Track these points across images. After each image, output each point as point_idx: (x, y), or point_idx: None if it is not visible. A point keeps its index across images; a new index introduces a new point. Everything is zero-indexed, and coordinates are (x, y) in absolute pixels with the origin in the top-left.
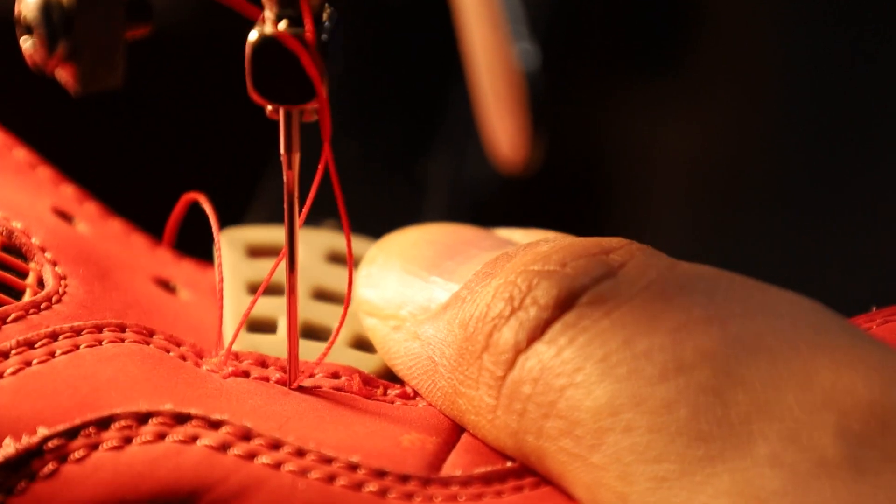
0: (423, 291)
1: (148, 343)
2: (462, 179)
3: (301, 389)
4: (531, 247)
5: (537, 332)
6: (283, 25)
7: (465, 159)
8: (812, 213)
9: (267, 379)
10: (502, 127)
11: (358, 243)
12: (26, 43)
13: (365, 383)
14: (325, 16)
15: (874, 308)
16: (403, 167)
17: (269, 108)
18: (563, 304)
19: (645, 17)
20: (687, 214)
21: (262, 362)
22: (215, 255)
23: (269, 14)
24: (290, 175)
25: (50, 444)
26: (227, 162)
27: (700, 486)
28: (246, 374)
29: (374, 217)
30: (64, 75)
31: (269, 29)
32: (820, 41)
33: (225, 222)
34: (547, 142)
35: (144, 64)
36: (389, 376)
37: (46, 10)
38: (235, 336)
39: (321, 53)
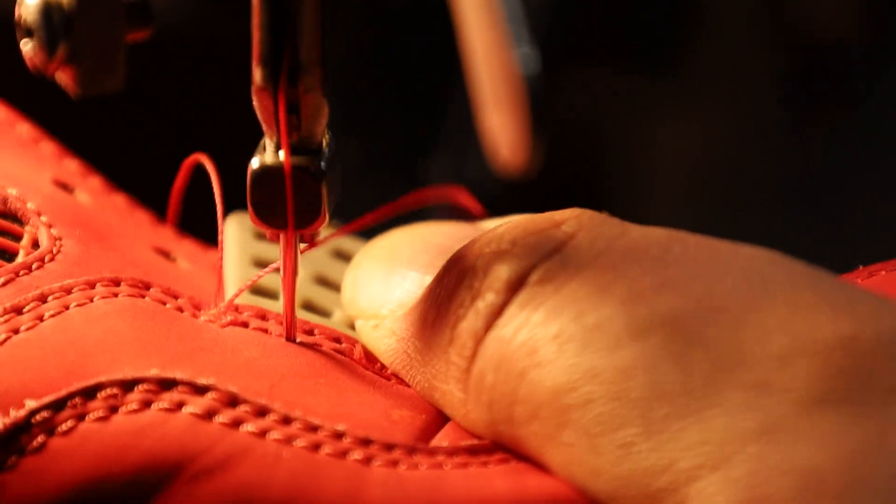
0: (400, 288)
1: (143, 297)
2: (462, 181)
3: (301, 344)
4: (491, 230)
5: (492, 318)
6: (282, 154)
7: (465, 161)
8: (812, 212)
9: (266, 331)
10: (502, 129)
11: (357, 246)
12: (26, 46)
13: (365, 356)
14: (324, 143)
15: (860, 266)
16: (404, 169)
17: (269, 233)
18: (514, 285)
19: (645, 19)
20: (687, 214)
21: (263, 315)
22: (217, 207)
23: (269, 143)
24: (288, 294)
25: (37, 417)
26: (228, 162)
27: (668, 442)
28: (245, 325)
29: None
30: (64, 78)
31: (268, 159)
32: (820, 40)
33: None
34: (546, 144)
35: (145, 66)
36: None
37: (47, 13)
38: (239, 292)
39: (319, 181)
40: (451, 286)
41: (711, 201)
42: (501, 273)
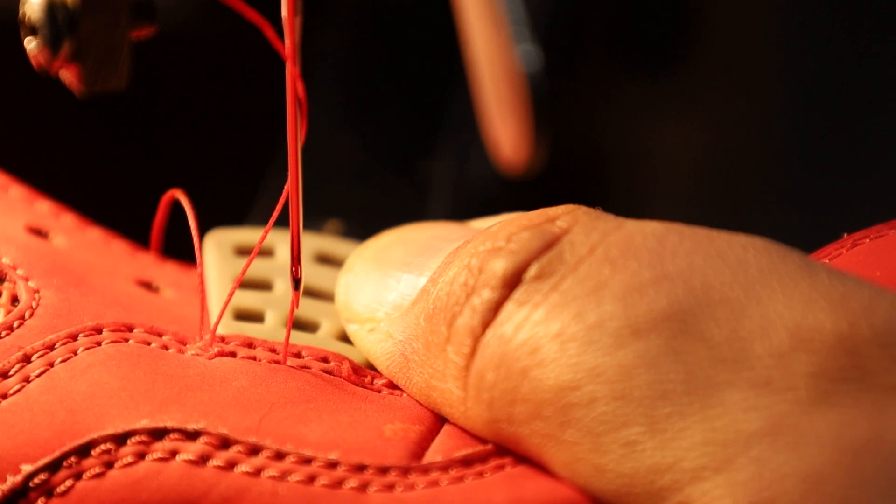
0: (395, 290)
1: (127, 339)
2: (464, 180)
3: (290, 367)
4: (486, 229)
5: (490, 316)
6: None
7: (468, 160)
8: (812, 212)
9: (254, 359)
10: (504, 128)
11: (348, 247)
12: (31, 44)
13: (353, 371)
14: None
15: (845, 235)
16: (406, 168)
17: None
18: (511, 282)
19: (645, 18)
20: (688, 214)
21: (250, 343)
22: (195, 243)
23: None
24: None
25: (35, 481)
26: (229, 163)
27: (672, 441)
28: (232, 355)
29: (377, 218)
30: (68, 76)
31: None
32: (820, 40)
33: (226, 222)
34: (548, 143)
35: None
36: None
37: (51, 11)
38: (220, 315)
39: None
40: (446, 284)
41: (712, 201)
42: (497, 269)
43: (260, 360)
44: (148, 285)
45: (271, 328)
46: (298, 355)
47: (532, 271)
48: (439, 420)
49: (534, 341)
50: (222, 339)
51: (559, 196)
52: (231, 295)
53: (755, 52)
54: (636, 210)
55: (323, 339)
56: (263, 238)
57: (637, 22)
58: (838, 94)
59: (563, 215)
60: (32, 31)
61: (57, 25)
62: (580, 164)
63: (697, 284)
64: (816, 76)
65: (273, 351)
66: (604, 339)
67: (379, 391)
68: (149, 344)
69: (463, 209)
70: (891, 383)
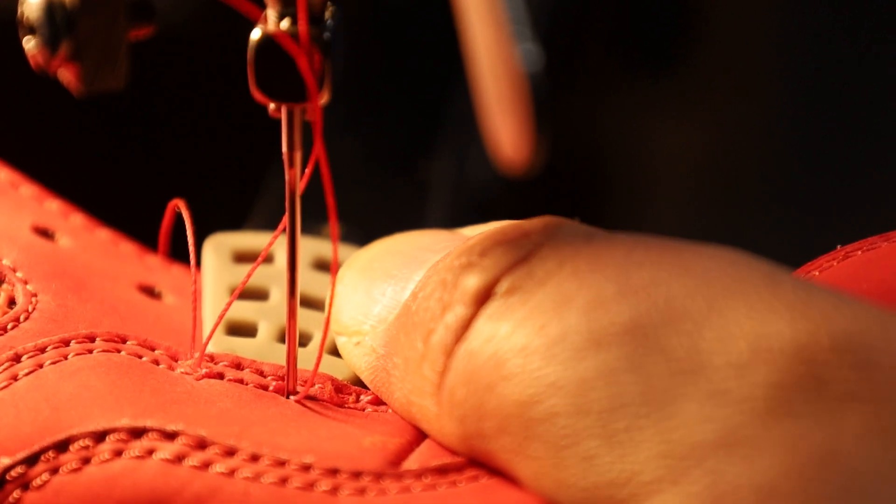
0: (380, 303)
1: (119, 351)
2: (464, 180)
3: (274, 393)
4: (463, 243)
5: (461, 331)
6: (285, 24)
7: (468, 160)
8: (813, 212)
9: (242, 381)
10: (504, 127)
11: (347, 252)
12: (29, 43)
13: (337, 391)
14: (327, 14)
15: (839, 246)
16: (406, 168)
17: (272, 106)
18: (482, 297)
19: (645, 18)
20: (689, 214)
21: (238, 365)
22: (191, 258)
23: (271, 13)
24: (293, 174)
25: (12, 474)
26: (230, 163)
27: (629, 455)
28: (220, 377)
29: (377, 219)
30: (67, 75)
31: (270, 27)
32: (820, 40)
33: (227, 224)
34: (548, 143)
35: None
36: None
37: (49, 11)
38: (210, 336)
39: (323, 52)
40: (424, 300)
41: (713, 201)
42: (469, 285)
43: (247, 384)
44: (150, 290)
45: (263, 343)
46: (283, 378)
47: (503, 286)
48: (421, 435)
49: (499, 355)
50: (212, 359)
51: (559, 196)
52: (224, 313)
53: (755, 53)
54: (636, 210)
55: (313, 354)
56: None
57: (637, 22)
58: (838, 94)
59: (537, 230)
60: (31, 30)
61: (55, 25)
62: (580, 164)
63: (661, 297)
64: (816, 76)
65: (261, 373)
66: (565, 353)
67: (363, 409)
68: (140, 357)
69: (462, 210)
70: (848, 392)
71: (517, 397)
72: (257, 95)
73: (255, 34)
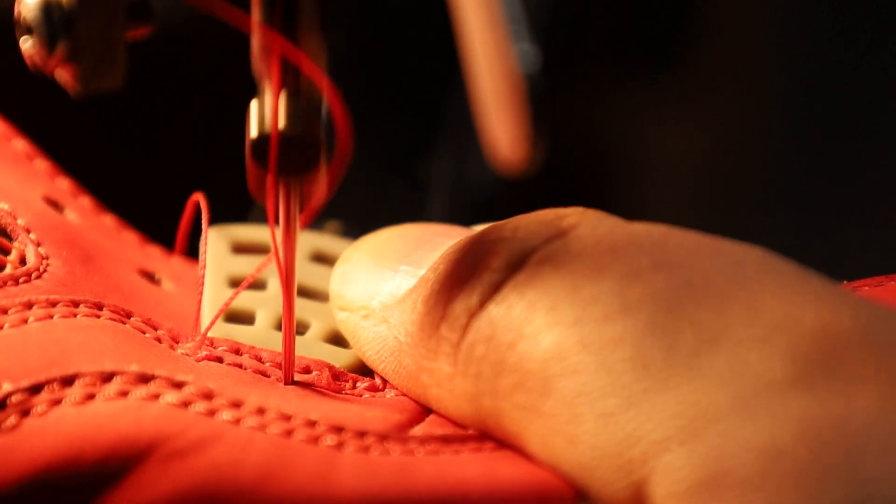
0: (392, 281)
1: (124, 323)
2: (463, 181)
3: (274, 378)
4: (494, 223)
5: (488, 295)
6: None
7: (466, 161)
8: (813, 212)
9: (240, 366)
10: (502, 128)
11: (339, 247)
12: (26, 43)
13: (334, 378)
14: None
15: (844, 282)
16: (404, 169)
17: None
18: (514, 265)
19: (645, 18)
20: (689, 214)
21: (237, 350)
22: (200, 249)
23: (267, 98)
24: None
25: (13, 399)
26: (230, 162)
27: (646, 414)
28: (219, 360)
29: (376, 219)
30: (64, 76)
31: (268, 126)
32: (820, 40)
33: (227, 222)
34: (548, 143)
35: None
36: (361, 371)
37: (46, 11)
38: (212, 323)
39: (318, 148)
40: (447, 271)
41: (713, 201)
42: (503, 253)
43: (246, 368)
44: (150, 276)
45: (261, 331)
46: (280, 366)
47: (536, 256)
48: (422, 413)
49: (527, 314)
50: (211, 343)
51: (559, 196)
52: (230, 302)
53: (755, 52)
54: (636, 210)
55: (309, 342)
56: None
57: (637, 22)
58: (838, 94)
59: (572, 214)
60: (28, 30)
61: (52, 25)
62: (580, 164)
63: (695, 273)
64: (816, 76)
65: (259, 359)
66: (595, 314)
67: (360, 395)
68: (143, 333)
69: (462, 210)
70: (865, 373)
71: (541, 354)
72: (255, 191)
73: (254, 133)
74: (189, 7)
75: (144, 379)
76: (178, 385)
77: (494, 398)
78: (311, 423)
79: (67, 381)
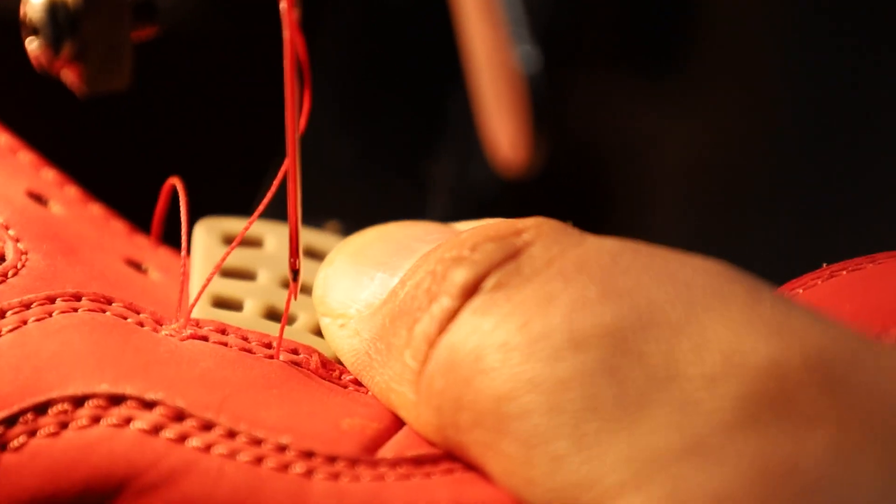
0: (368, 289)
1: (104, 311)
2: (464, 181)
3: (258, 356)
4: (455, 236)
5: (445, 322)
6: None
7: (467, 161)
8: (814, 212)
9: (225, 345)
10: (503, 128)
11: (329, 243)
12: (32, 44)
13: (322, 364)
14: None
15: (824, 265)
16: (405, 169)
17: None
18: (469, 291)
19: (646, 18)
20: (689, 215)
21: (223, 330)
22: (182, 232)
23: None
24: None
25: None
26: (230, 162)
27: (599, 458)
28: (204, 339)
29: (376, 219)
30: (70, 76)
31: None
32: (820, 40)
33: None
34: (548, 143)
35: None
36: None
37: (52, 12)
38: (196, 299)
39: None
40: (412, 288)
41: (713, 201)
42: (457, 278)
43: (231, 347)
44: (137, 265)
45: (248, 317)
46: (269, 346)
47: (490, 282)
48: (399, 421)
49: (480, 349)
50: (196, 324)
51: (558, 196)
52: (209, 280)
53: (756, 52)
54: (636, 210)
55: (297, 332)
56: (247, 228)
57: (637, 22)
58: (839, 94)
59: (529, 228)
60: (34, 31)
61: (58, 26)
62: (580, 165)
63: (643, 302)
64: (817, 76)
65: (245, 339)
66: (545, 351)
67: (345, 386)
68: (125, 318)
69: (462, 210)
70: (815, 412)
71: (494, 392)
72: None
73: None
74: (191, 6)
75: (115, 400)
76: (149, 405)
77: (457, 432)
78: (281, 449)
79: (41, 410)
